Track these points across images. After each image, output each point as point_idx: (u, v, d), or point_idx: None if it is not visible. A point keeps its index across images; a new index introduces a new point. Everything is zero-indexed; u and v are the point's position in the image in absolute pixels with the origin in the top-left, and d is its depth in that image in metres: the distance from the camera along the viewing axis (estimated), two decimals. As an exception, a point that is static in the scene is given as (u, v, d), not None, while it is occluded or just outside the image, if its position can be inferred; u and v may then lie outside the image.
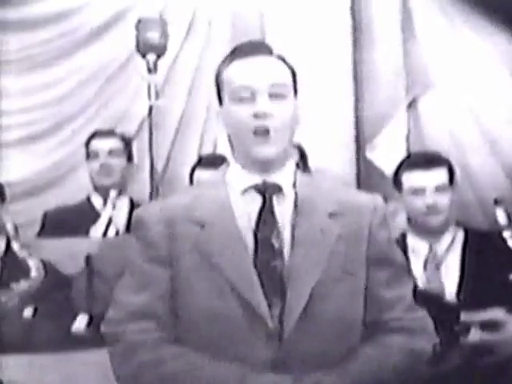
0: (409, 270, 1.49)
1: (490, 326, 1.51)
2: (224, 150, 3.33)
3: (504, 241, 2.28)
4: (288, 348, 1.45)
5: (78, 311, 2.55)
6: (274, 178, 1.51)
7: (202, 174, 2.73)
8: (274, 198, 1.51)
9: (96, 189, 3.01)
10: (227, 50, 3.73)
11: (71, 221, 2.93)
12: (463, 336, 1.52)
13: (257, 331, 1.44)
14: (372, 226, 1.53)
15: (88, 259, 2.57)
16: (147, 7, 3.13)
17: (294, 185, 1.54)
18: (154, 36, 2.61)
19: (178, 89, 3.35)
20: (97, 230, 2.94)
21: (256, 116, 1.46)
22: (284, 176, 1.53)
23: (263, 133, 1.46)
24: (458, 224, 2.49)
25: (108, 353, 1.53)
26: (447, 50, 3.29)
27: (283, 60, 1.53)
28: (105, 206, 2.97)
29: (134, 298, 1.48)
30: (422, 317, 1.57)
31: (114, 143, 2.99)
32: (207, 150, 3.38)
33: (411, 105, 3.34)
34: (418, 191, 2.40)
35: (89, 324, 2.52)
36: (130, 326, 1.47)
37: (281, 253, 1.48)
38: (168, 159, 3.35)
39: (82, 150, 3.07)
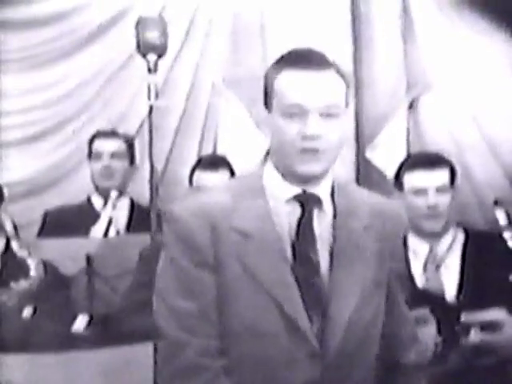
0: (409, 271, 1.51)
1: (490, 326, 1.51)
2: (224, 150, 3.34)
3: (504, 242, 2.27)
4: (330, 368, 1.42)
5: (78, 311, 2.55)
6: (314, 189, 1.48)
7: (201, 175, 2.73)
8: (314, 212, 1.48)
9: (97, 189, 3.01)
10: (228, 50, 3.74)
11: (71, 221, 2.94)
12: (464, 336, 1.52)
13: (299, 349, 1.42)
14: (395, 241, 1.54)
15: (88, 259, 2.57)
16: (147, 7, 3.13)
17: (332, 195, 1.51)
18: (154, 36, 2.60)
19: (179, 89, 3.35)
20: (97, 231, 2.94)
21: (305, 138, 1.42)
22: (323, 187, 1.49)
23: (311, 153, 1.42)
24: (459, 225, 2.49)
25: (159, 350, 1.47)
26: (447, 50, 3.28)
27: (340, 73, 1.46)
28: (105, 207, 2.97)
29: (188, 304, 1.43)
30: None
31: (117, 145, 2.98)
32: (207, 151, 3.37)
33: (411, 105, 3.34)
34: (420, 191, 2.39)
35: (89, 324, 2.52)
36: (193, 340, 1.41)
37: (318, 268, 1.45)
38: (168, 160, 3.34)
39: (83, 151, 3.07)
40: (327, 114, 1.43)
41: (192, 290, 1.43)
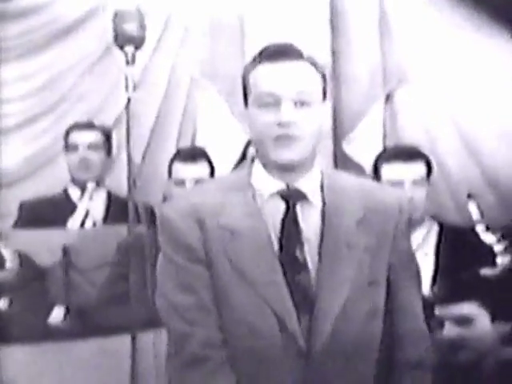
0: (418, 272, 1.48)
1: (463, 320, 1.54)
2: (202, 142, 3.34)
3: (477, 235, 2.30)
4: (316, 366, 1.43)
5: (55, 303, 2.54)
6: (298, 184, 1.48)
7: (180, 167, 2.73)
8: (298, 207, 1.47)
9: (74, 181, 2.99)
10: (206, 43, 3.73)
11: (48, 212, 2.92)
12: (438, 330, 1.54)
13: (288, 347, 1.43)
14: (397, 231, 1.50)
15: (65, 251, 2.56)
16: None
17: (322, 189, 1.50)
18: (131, 28, 2.59)
19: (157, 81, 3.34)
20: (74, 222, 2.93)
21: (280, 125, 1.43)
22: (309, 182, 1.49)
23: (285, 139, 1.43)
24: (433, 218, 2.52)
25: (168, 344, 1.49)
26: (423, 45, 3.30)
27: (313, 63, 1.48)
28: (82, 198, 2.97)
29: (189, 298, 1.45)
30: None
31: (93, 136, 2.97)
32: (186, 143, 3.37)
33: (387, 99, 3.36)
34: (397, 184, 2.40)
35: (65, 316, 2.52)
36: (197, 330, 1.44)
37: (305, 266, 1.45)
38: (146, 151, 3.34)
39: (60, 142, 3.05)
40: (301, 102, 1.44)
41: (190, 285, 1.45)
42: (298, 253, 1.45)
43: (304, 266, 1.45)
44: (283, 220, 1.46)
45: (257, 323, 1.43)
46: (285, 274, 1.44)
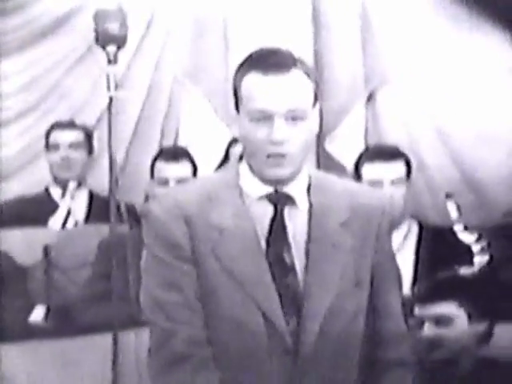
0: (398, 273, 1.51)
1: (442, 320, 1.56)
2: (185, 142, 3.34)
3: (455, 235, 2.33)
4: (304, 366, 1.44)
5: (36, 302, 2.54)
6: (287, 188, 1.48)
7: (163, 167, 2.73)
8: (286, 211, 1.48)
9: (55, 180, 2.99)
10: (189, 42, 3.72)
11: (29, 211, 2.92)
12: (417, 330, 1.56)
13: (275, 346, 1.44)
14: (379, 232, 1.51)
15: (46, 250, 2.56)
16: (107, -1, 3.10)
17: (308, 191, 1.50)
18: (113, 27, 2.58)
19: (140, 80, 3.33)
20: (55, 221, 2.93)
21: (271, 143, 1.42)
22: (297, 187, 1.49)
23: (277, 157, 1.43)
24: (413, 217, 2.54)
25: (151, 340, 1.48)
26: (404, 45, 3.33)
27: (305, 71, 1.45)
28: (63, 198, 2.96)
29: (173, 295, 1.44)
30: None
31: (74, 136, 2.97)
32: (168, 142, 3.37)
33: (369, 99, 3.39)
34: (376, 183, 2.43)
35: (47, 315, 2.52)
36: (180, 327, 1.43)
37: (293, 269, 1.46)
38: (128, 151, 3.33)
39: (42, 141, 3.05)
40: (293, 118, 1.42)
41: (175, 283, 1.45)
42: (285, 254, 1.46)
43: (291, 267, 1.46)
44: (271, 223, 1.47)
45: (244, 322, 1.43)
46: (273, 275, 1.45)
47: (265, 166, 1.44)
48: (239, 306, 1.44)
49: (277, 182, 1.48)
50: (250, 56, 1.47)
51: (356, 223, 1.49)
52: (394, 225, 2.43)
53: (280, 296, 1.44)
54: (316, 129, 1.49)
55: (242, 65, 1.47)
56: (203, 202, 1.47)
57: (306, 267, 1.45)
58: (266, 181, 1.48)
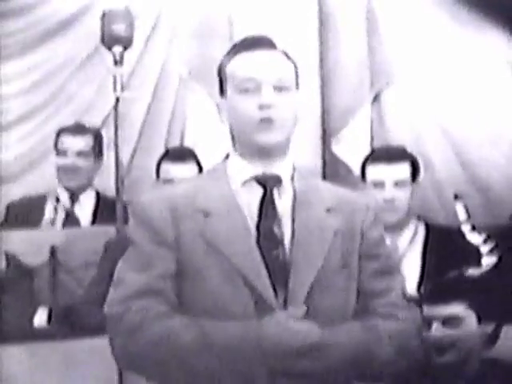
0: (398, 266, 1.52)
1: (450, 321, 1.55)
2: (191, 142, 3.34)
3: (463, 236, 2.32)
4: None
5: (42, 303, 2.54)
6: (274, 169, 1.53)
7: (168, 167, 2.73)
8: (275, 190, 1.53)
9: (61, 182, 2.99)
10: (195, 43, 3.73)
11: (35, 212, 2.92)
12: (425, 330, 1.55)
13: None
14: (364, 225, 1.55)
15: (52, 251, 2.56)
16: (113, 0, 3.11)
17: (292, 179, 1.55)
18: (119, 28, 2.59)
19: (145, 81, 3.34)
20: (58, 222, 2.93)
21: (261, 107, 1.48)
22: (284, 168, 1.54)
23: (267, 121, 1.48)
24: (420, 219, 2.53)
25: (109, 337, 1.48)
26: (410, 45, 3.33)
27: (286, 55, 1.55)
28: (68, 200, 2.96)
29: (137, 276, 1.46)
30: (411, 309, 1.58)
31: (83, 143, 2.95)
32: (174, 143, 3.37)
33: (375, 100, 3.38)
34: (378, 185, 2.43)
35: (50, 317, 2.52)
36: (134, 302, 1.44)
37: (282, 242, 1.49)
38: (134, 151, 3.34)
39: (48, 142, 3.05)
40: (279, 88, 1.50)
41: (147, 264, 1.47)
42: (275, 229, 1.50)
43: (281, 240, 1.49)
44: (261, 201, 1.51)
45: (232, 297, 1.45)
46: (262, 249, 1.48)
47: (256, 131, 1.49)
48: (226, 282, 1.45)
49: (265, 154, 1.51)
50: (235, 45, 1.56)
51: (341, 212, 1.54)
52: (399, 225, 2.44)
53: (268, 270, 1.47)
54: (299, 112, 1.54)
55: (227, 54, 1.56)
56: (189, 190, 1.52)
57: (293, 241, 1.49)
58: (254, 155, 1.51)
